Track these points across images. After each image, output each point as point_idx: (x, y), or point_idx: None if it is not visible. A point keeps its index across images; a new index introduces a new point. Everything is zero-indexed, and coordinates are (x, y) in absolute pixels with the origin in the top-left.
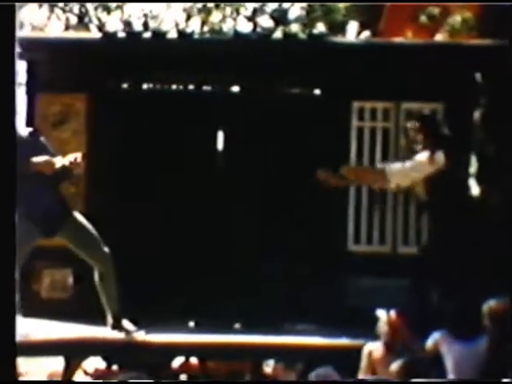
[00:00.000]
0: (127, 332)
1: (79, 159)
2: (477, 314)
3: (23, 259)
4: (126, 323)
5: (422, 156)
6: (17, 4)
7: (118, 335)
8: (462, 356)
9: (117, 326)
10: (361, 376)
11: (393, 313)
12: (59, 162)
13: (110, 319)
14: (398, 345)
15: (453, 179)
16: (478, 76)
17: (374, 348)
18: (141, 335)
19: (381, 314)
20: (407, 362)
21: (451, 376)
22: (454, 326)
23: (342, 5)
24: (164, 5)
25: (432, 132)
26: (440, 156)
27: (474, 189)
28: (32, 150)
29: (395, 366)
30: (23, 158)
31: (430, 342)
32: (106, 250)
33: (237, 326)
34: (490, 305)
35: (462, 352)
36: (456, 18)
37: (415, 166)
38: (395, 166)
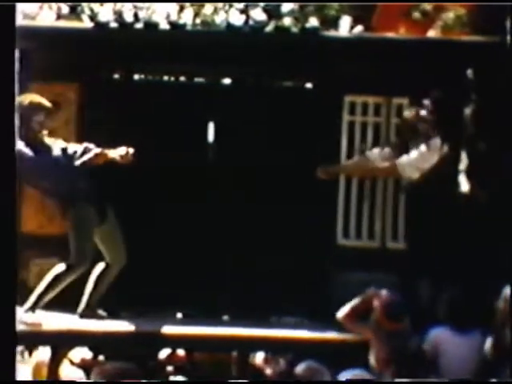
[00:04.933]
0: (98, 319)
1: (130, 153)
2: (472, 306)
3: (91, 245)
4: (98, 311)
5: (431, 145)
6: None
7: (90, 323)
8: (459, 348)
9: (88, 313)
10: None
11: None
12: (110, 154)
13: (83, 307)
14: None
15: (451, 169)
16: (470, 72)
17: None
18: (112, 324)
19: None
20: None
21: (447, 370)
22: (450, 318)
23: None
24: None
25: (441, 117)
26: (444, 144)
27: (464, 185)
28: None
29: None
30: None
31: (429, 339)
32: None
33: (225, 318)
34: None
35: (459, 345)
36: (449, 15)
37: (424, 157)
38: (404, 160)
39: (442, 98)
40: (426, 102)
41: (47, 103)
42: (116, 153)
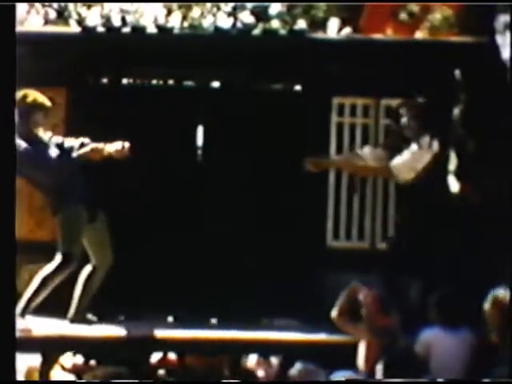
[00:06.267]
0: (88, 324)
1: (126, 148)
2: (463, 306)
3: (79, 245)
4: (88, 316)
5: (421, 144)
6: None
7: (81, 328)
8: (451, 349)
9: (78, 318)
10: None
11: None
12: (107, 149)
13: (73, 312)
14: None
15: (442, 169)
16: (458, 73)
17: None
18: (103, 328)
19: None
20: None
21: (439, 371)
22: (442, 319)
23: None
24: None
25: (427, 118)
26: (433, 142)
27: (453, 185)
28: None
29: None
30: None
31: (420, 341)
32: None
33: (216, 321)
34: (494, 296)
35: (451, 345)
36: (436, 16)
37: (416, 157)
38: (398, 162)
39: (427, 99)
40: (412, 103)
41: (48, 102)
42: (112, 147)
